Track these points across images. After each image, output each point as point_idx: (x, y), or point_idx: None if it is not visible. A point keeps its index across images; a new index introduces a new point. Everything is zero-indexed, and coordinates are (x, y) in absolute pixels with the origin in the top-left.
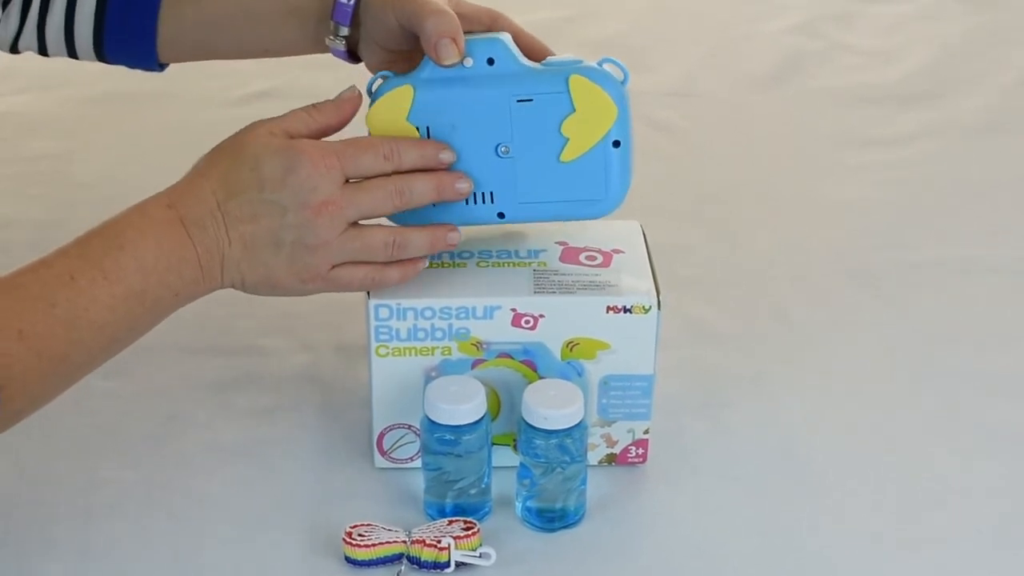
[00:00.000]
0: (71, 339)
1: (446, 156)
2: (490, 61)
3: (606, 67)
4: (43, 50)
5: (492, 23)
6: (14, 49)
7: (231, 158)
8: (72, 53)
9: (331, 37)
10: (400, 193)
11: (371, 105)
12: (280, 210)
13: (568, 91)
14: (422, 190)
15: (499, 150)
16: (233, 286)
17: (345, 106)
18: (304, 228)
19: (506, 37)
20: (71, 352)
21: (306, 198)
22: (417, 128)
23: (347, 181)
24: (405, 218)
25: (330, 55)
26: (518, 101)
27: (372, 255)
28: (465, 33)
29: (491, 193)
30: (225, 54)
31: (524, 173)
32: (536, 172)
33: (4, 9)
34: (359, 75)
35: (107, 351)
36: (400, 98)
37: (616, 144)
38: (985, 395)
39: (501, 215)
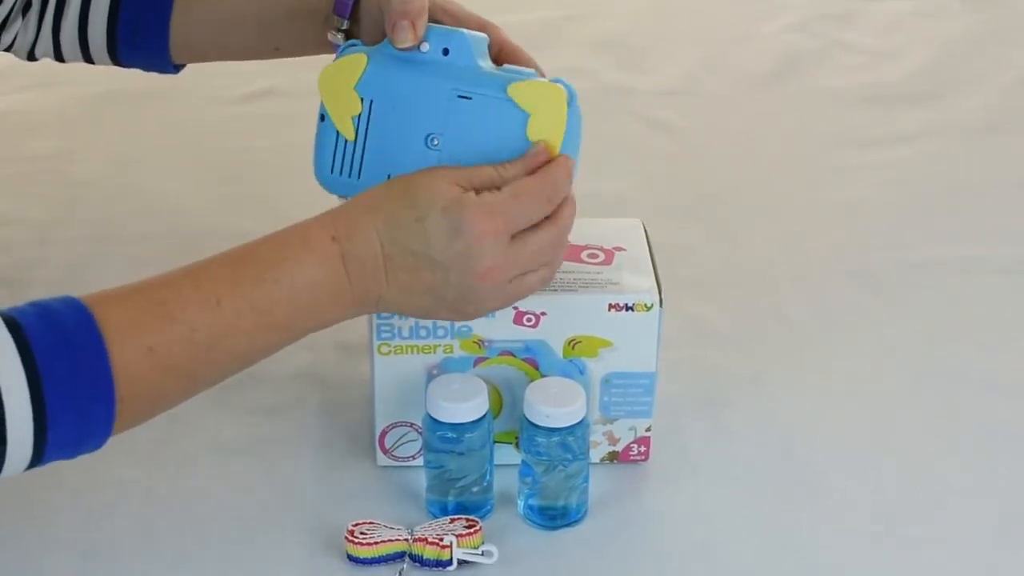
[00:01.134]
0: (204, 361)
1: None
2: (445, 51)
3: (556, 86)
4: (59, 56)
5: (480, 30)
6: (32, 56)
7: (400, 199)
8: (87, 58)
9: (332, 32)
10: (560, 247)
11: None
12: (443, 271)
13: (507, 97)
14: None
15: (429, 140)
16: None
17: (530, 163)
18: (467, 290)
19: (476, 36)
20: (201, 372)
21: (470, 265)
22: (361, 99)
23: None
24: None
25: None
26: (458, 96)
27: (524, 296)
28: (435, 22)
29: None
30: (237, 54)
31: None
32: None
33: (23, 17)
34: None
35: (238, 370)
36: (353, 65)
37: None
38: (985, 395)
39: None
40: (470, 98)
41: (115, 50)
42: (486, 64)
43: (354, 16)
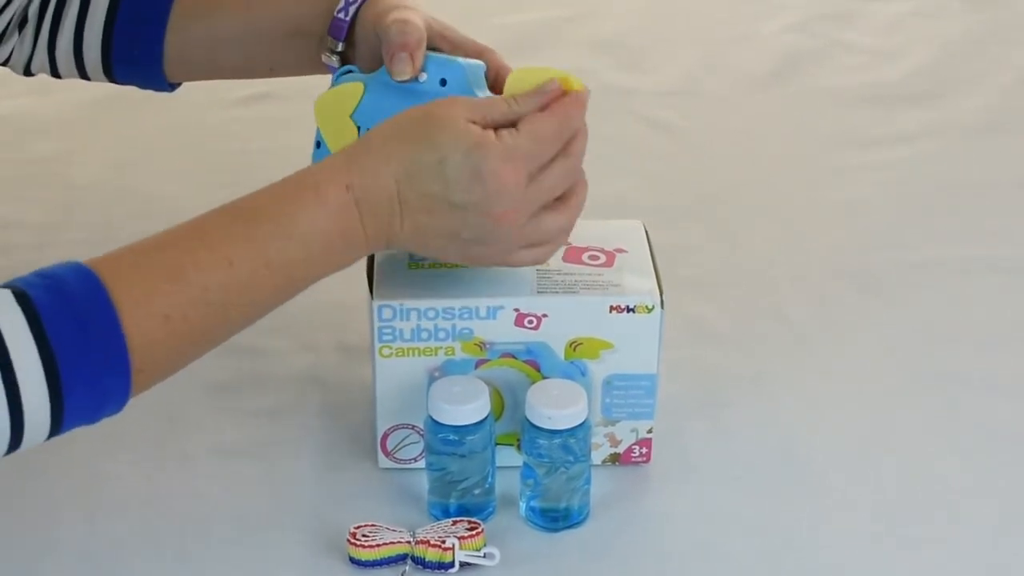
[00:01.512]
0: (218, 319)
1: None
2: (443, 82)
3: None
4: (55, 72)
5: (477, 56)
6: (28, 71)
7: (418, 142)
8: (83, 74)
9: (327, 54)
10: (575, 170)
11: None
12: (461, 212)
13: None
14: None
15: None
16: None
17: (545, 97)
18: (483, 230)
19: (472, 65)
20: (215, 331)
21: (489, 207)
22: (358, 127)
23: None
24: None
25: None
26: None
27: (554, 241)
28: (433, 50)
29: None
30: (231, 72)
31: None
32: None
33: (19, 32)
34: None
35: (251, 322)
36: (350, 93)
37: None
38: (985, 395)
39: None
40: None
41: (110, 67)
42: (483, 93)
43: (349, 39)
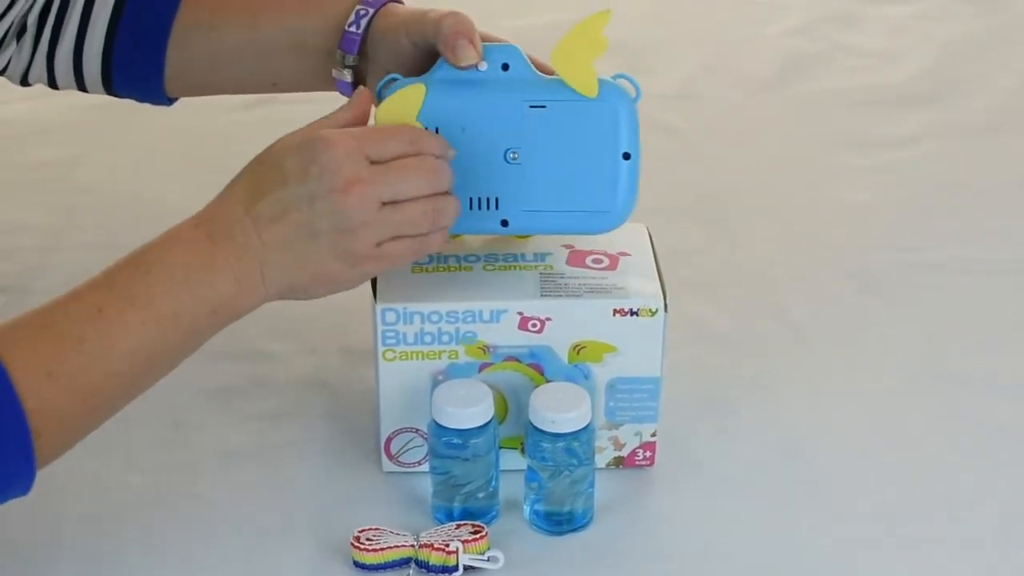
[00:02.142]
0: (104, 371)
1: (451, 153)
2: (504, 67)
3: (620, 82)
4: (53, 83)
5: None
6: (24, 81)
7: (255, 166)
8: (81, 86)
9: (338, 68)
10: (434, 172)
11: (380, 103)
12: (308, 199)
13: (583, 98)
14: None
15: (508, 155)
16: (282, 296)
17: (361, 99)
18: (336, 213)
19: (518, 48)
20: (105, 385)
21: (332, 182)
22: (425, 128)
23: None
24: None
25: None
26: (531, 107)
27: (413, 227)
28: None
29: (496, 199)
30: (232, 88)
31: (531, 180)
32: (544, 180)
33: (17, 42)
34: None
35: (146, 377)
36: (412, 96)
37: (627, 156)
38: (987, 396)
39: (505, 223)
40: (544, 106)
41: (110, 80)
42: (542, 74)
43: (362, 52)
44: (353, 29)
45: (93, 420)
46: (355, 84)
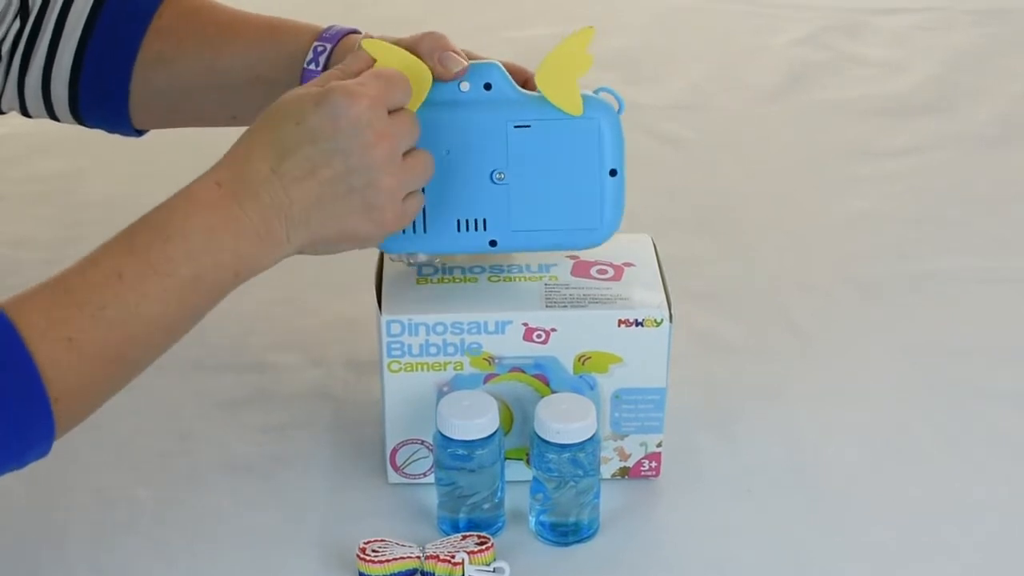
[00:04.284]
0: (124, 337)
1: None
2: (487, 86)
3: (602, 95)
4: (25, 111)
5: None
6: None
7: (272, 122)
8: (52, 115)
9: None
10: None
11: None
12: (342, 156)
13: (567, 116)
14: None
15: (494, 176)
16: (302, 250)
17: (364, 56)
18: (369, 168)
19: (501, 65)
20: (126, 351)
21: (363, 137)
22: None
23: None
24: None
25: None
26: (515, 127)
27: (420, 180)
28: None
29: (484, 220)
30: (193, 120)
31: (518, 200)
32: (530, 199)
33: None
34: None
35: (166, 340)
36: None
37: (612, 173)
38: (998, 406)
39: (493, 243)
40: (529, 126)
41: (78, 110)
42: (525, 91)
43: None
44: (312, 67)
45: (113, 385)
46: None
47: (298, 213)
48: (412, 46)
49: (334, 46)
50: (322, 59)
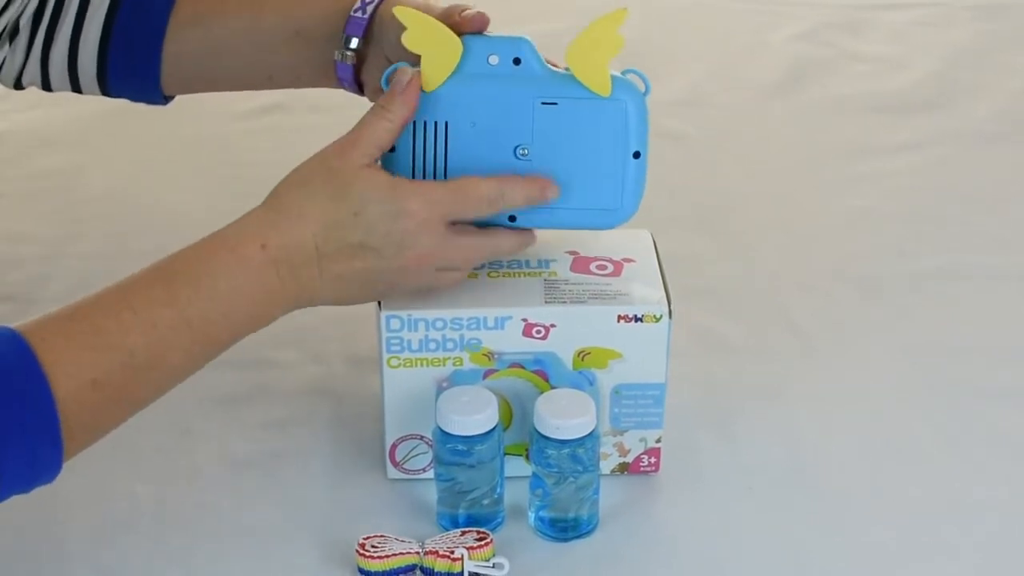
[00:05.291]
0: (144, 382)
1: (552, 193)
2: (516, 61)
3: (629, 77)
4: (47, 84)
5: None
6: (18, 84)
7: (332, 198)
8: (76, 87)
9: (340, 52)
10: (485, 258)
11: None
12: (376, 256)
13: (595, 95)
14: (515, 201)
15: (518, 151)
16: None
17: (410, 93)
18: (397, 275)
19: (530, 41)
20: (145, 394)
21: (405, 251)
22: (436, 122)
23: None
24: None
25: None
26: (542, 103)
27: (441, 289)
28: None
29: None
30: (229, 82)
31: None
32: (552, 177)
33: (11, 43)
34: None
35: (179, 382)
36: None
37: (636, 155)
38: (998, 404)
39: (512, 218)
40: (556, 103)
41: (105, 80)
42: (554, 68)
43: (367, 37)
44: (359, 14)
45: (121, 420)
46: (356, 69)
47: (325, 288)
48: (439, 14)
49: None
50: (369, 8)
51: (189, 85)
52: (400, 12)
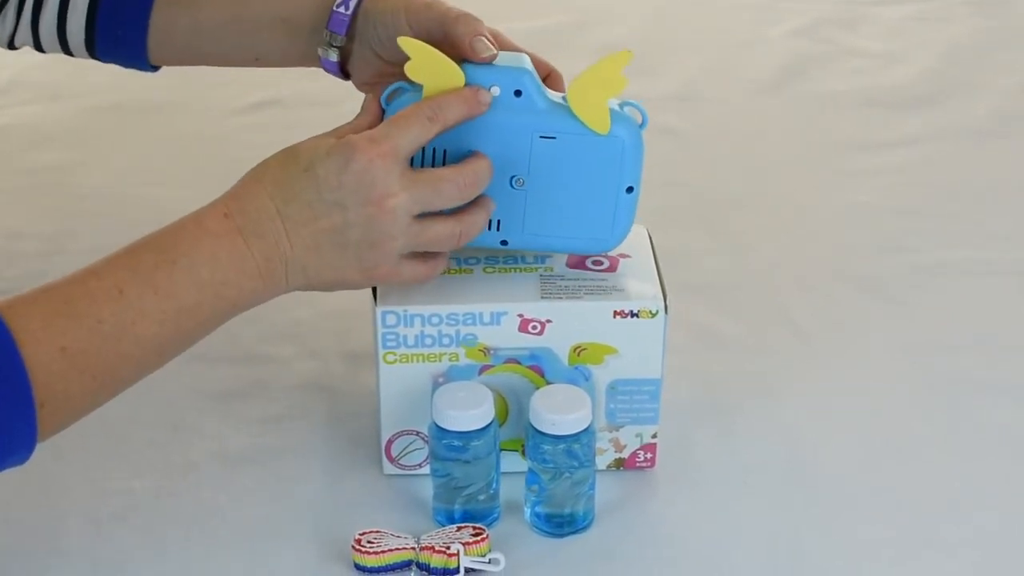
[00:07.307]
0: (117, 353)
1: (484, 98)
2: (517, 93)
3: (627, 110)
4: (39, 47)
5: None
6: (11, 45)
7: (284, 163)
8: (67, 51)
9: (324, 48)
10: (469, 183)
11: (387, 115)
12: (340, 210)
13: (592, 132)
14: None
15: (513, 181)
16: (298, 289)
17: (373, 107)
18: (368, 225)
19: (532, 69)
20: (117, 366)
21: (366, 194)
22: (434, 148)
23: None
24: None
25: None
26: (541, 137)
27: (439, 246)
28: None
29: (498, 221)
30: (215, 60)
31: (534, 206)
32: (546, 207)
33: (2, 9)
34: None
35: (157, 361)
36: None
37: (629, 190)
38: (995, 400)
39: (504, 243)
40: (554, 138)
41: (93, 45)
42: (554, 96)
43: (350, 34)
44: (342, 10)
45: (98, 398)
46: (341, 63)
47: (297, 258)
48: (449, 28)
49: None
50: (351, 3)
51: (176, 58)
52: (404, 42)
